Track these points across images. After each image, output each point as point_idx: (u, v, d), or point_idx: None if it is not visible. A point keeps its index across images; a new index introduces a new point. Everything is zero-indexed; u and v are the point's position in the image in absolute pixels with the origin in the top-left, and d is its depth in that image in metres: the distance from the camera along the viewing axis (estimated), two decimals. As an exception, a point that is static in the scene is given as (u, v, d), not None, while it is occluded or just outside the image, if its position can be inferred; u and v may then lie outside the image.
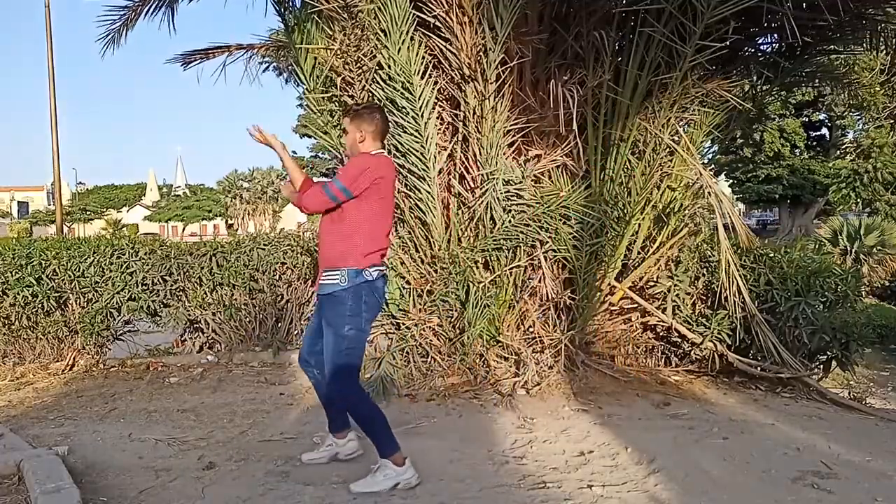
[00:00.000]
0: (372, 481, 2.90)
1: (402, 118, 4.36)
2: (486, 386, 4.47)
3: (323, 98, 4.79)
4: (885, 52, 5.33)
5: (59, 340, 5.50)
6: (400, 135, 4.41)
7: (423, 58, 4.34)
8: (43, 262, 5.37)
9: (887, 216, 22.49)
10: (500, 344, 4.63)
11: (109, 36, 6.15)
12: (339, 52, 4.53)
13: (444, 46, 4.33)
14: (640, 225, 4.88)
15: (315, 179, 3.18)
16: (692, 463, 3.21)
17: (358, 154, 3.00)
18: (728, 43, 4.18)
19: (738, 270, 4.47)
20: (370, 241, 2.93)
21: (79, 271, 5.39)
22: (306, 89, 4.90)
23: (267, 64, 7.48)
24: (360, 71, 4.48)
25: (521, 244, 4.52)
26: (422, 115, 4.32)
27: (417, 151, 4.40)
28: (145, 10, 5.83)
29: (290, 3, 5.06)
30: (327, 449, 3.27)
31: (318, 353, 3.08)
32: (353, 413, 2.99)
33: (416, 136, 4.37)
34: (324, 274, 2.95)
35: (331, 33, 4.58)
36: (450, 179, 4.68)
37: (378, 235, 2.98)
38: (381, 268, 3.02)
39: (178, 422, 4.04)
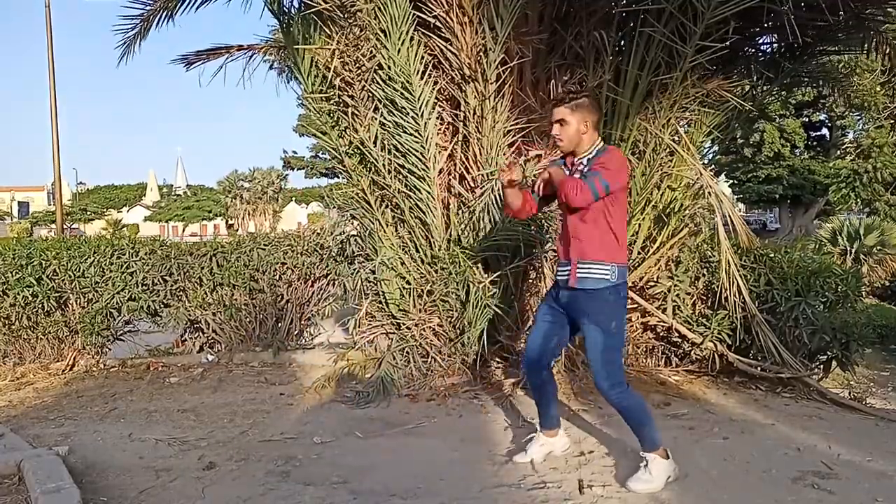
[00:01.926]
0: (649, 478, 2.87)
1: (402, 118, 4.36)
2: (486, 386, 4.47)
3: (321, 98, 4.79)
4: (885, 52, 5.33)
5: (60, 340, 5.50)
6: (400, 135, 4.41)
7: (423, 58, 4.35)
8: (43, 263, 5.37)
9: (887, 216, 22.47)
10: (500, 344, 4.63)
11: (126, 44, 6.29)
12: (337, 52, 4.52)
13: (445, 46, 4.34)
14: (640, 225, 4.88)
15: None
16: (692, 463, 3.21)
17: (611, 149, 2.92)
18: (728, 43, 4.18)
19: (738, 270, 4.47)
20: (624, 238, 2.92)
21: (79, 271, 5.39)
22: (304, 90, 4.90)
23: (268, 63, 7.48)
24: (360, 71, 4.48)
25: (520, 244, 4.52)
26: (422, 116, 4.32)
27: (417, 151, 4.40)
28: (157, 17, 5.95)
29: (288, 4, 5.05)
30: (540, 448, 3.23)
31: (551, 351, 3.11)
32: (622, 407, 2.94)
33: (416, 137, 4.37)
34: (586, 266, 2.85)
35: (329, 33, 4.57)
36: (450, 180, 4.68)
37: (625, 233, 2.97)
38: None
39: (178, 422, 4.04)
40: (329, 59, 4.59)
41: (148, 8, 5.90)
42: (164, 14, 5.91)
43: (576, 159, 2.95)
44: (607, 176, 2.76)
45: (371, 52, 4.38)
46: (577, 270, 2.86)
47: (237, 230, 47.09)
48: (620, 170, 2.83)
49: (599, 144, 2.93)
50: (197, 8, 5.85)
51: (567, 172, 2.93)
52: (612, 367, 2.88)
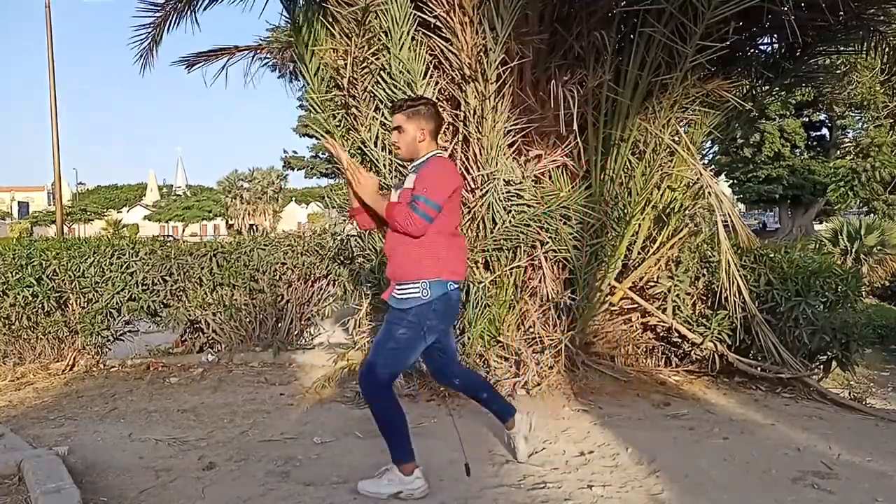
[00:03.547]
0: (377, 483, 2.86)
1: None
2: (486, 386, 4.47)
3: (326, 98, 4.80)
4: (885, 51, 5.33)
5: (60, 340, 5.50)
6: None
7: (424, 58, 4.35)
8: (43, 263, 5.37)
9: (885, 215, 22.49)
10: (500, 344, 4.63)
11: (143, 55, 6.35)
12: (343, 52, 4.52)
13: (445, 47, 4.34)
14: (640, 225, 4.88)
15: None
16: (692, 463, 3.21)
17: (433, 159, 2.82)
18: (728, 43, 4.18)
19: (738, 271, 4.47)
20: (451, 248, 2.81)
21: (79, 271, 5.39)
22: (310, 88, 4.91)
23: (267, 64, 7.48)
24: (366, 71, 4.48)
25: (521, 244, 4.52)
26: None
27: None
28: (168, 23, 6.02)
29: (298, 2, 5.06)
30: (519, 442, 3.24)
31: (443, 362, 3.07)
32: (373, 408, 2.86)
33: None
34: (399, 287, 2.78)
35: (334, 33, 4.58)
36: (450, 180, 4.68)
37: (455, 245, 2.86)
38: (460, 282, 2.88)
39: (178, 422, 4.04)
40: (336, 59, 4.60)
41: (157, 15, 5.95)
42: (175, 17, 5.96)
43: (414, 165, 2.89)
44: (431, 194, 2.68)
45: (375, 52, 4.39)
46: (397, 291, 2.79)
47: (238, 230, 47.10)
48: (442, 179, 2.73)
49: (431, 152, 2.86)
50: (204, 9, 5.88)
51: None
52: (379, 368, 2.77)
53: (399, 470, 2.84)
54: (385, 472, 2.88)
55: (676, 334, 4.89)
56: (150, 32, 6.11)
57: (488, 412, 3.30)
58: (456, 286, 2.85)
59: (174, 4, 5.81)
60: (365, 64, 4.44)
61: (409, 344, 2.79)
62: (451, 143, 4.63)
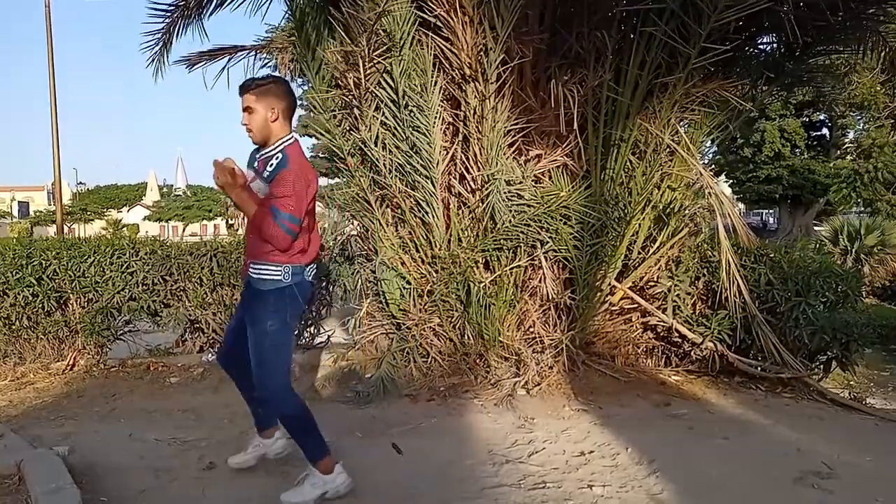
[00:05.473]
0: (300, 491, 2.77)
1: (410, 117, 4.37)
2: (486, 386, 4.47)
3: (328, 98, 4.80)
4: (885, 51, 5.33)
5: (60, 340, 5.49)
6: (407, 132, 4.42)
7: (426, 58, 4.36)
8: (43, 262, 5.37)
9: (888, 216, 22.47)
10: (500, 344, 4.63)
11: (154, 62, 6.41)
12: (349, 52, 4.53)
13: (445, 46, 4.34)
14: (640, 225, 4.88)
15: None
16: (692, 463, 3.21)
17: (291, 157, 2.67)
18: (729, 45, 4.17)
19: (738, 270, 4.47)
20: (303, 239, 2.74)
21: (79, 271, 5.38)
22: (312, 88, 4.91)
23: (268, 64, 7.48)
24: (372, 71, 4.48)
25: (521, 244, 4.52)
26: (430, 112, 4.34)
27: (425, 150, 4.41)
28: (177, 31, 6.10)
29: (300, 3, 5.06)
30: (254, 450, 3.19)
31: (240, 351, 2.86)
32: (280, 412, 2.83)
33: (426, 136, 4.38)
34: (258, 266, 2.73)
35: (340, 34, 4.58)
36: (450, 179, 4.68)
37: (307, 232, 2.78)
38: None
39: (178, 422, 4.04)
40: (338, 59, 4.60)
41: (167, 22, 6.00)
42: (182, 24, 6.02)
43: (265, 152, 2.76)
44: (295, 210, 2.59)
45: (381, 53, 4.39)
46: (251, 270, 2.75)
47: (237, 230, 47.04)
48: (301, 187, 2.61)
49: (287, 141, 2.72)
50: (210, 15, 5.91)
51: (253, 174, 2.76)
52: (269, 369, 2.72)
53: (319, 470, 2.79)
54: (305, 477, 2.80)
55: (676, 334, 4.89)
56: (160, 38, 6.17)
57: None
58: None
59: (182, 11, 5.84)
60: (372, 65, 4.44)
61: (281, 333, 2.75)
62: (451, 144, 4.63)
